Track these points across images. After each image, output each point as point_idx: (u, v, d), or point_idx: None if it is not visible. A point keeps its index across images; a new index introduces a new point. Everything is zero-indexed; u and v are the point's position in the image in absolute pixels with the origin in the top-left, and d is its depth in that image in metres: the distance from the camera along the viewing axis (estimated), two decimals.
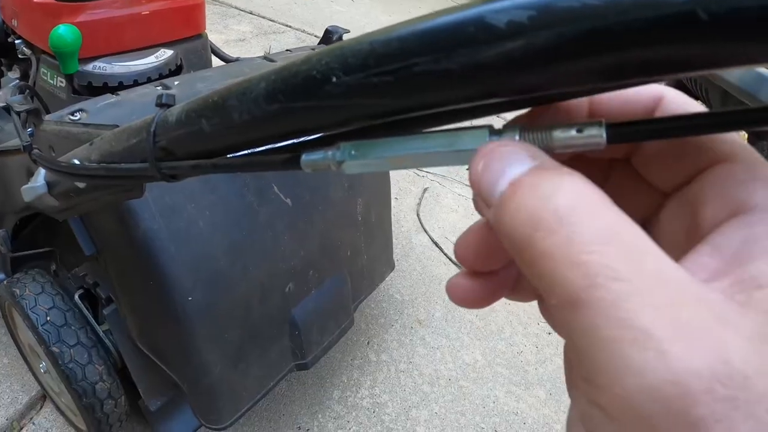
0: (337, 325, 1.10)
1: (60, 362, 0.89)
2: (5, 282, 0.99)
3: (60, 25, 0.98)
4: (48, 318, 0.91)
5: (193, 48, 1.24)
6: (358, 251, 1.14)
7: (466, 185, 2.16)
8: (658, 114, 0.19)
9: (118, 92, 0.81)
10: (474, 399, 1.34)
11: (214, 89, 0.25)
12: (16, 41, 1.15)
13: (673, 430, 0.11)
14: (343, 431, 1.21)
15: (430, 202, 2.02)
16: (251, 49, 2.87)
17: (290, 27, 3.30)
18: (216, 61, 1.32)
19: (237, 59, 1.25)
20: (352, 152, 0.20)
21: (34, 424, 1.12)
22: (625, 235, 0.13)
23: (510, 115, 0.20)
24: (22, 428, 1.10)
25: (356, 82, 0.18)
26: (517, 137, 0.17)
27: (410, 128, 0.21)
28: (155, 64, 1.10)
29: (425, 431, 1.25)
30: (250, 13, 3.34)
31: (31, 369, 1.14)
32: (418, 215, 1.93)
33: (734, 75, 1.31)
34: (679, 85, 3.02)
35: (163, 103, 0.32)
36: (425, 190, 2.07)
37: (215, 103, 0.25)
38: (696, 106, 0.19)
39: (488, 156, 0.16)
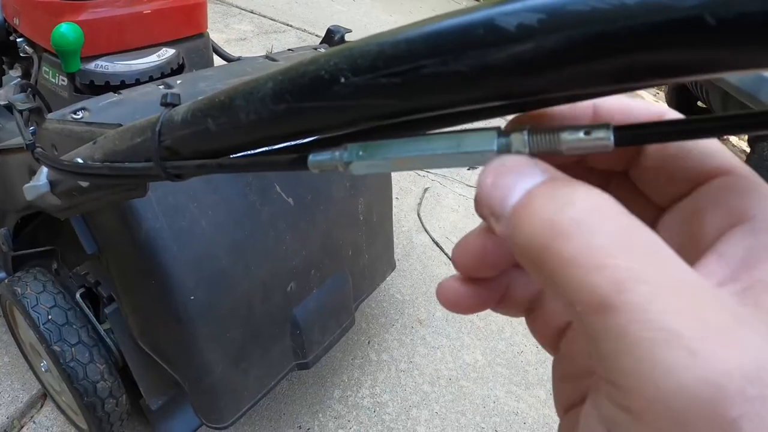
0: (338, 325, 1.10)
1: (61, 361, 0.89)
2: (6, 281, 0.99)
3: (62, 24, 0.98)
4: (49, 317, 0.91)
5: (194, 47, 1.24)
6: (359, 251, 1.14)
7: (467, 185, 2.16)
8: None
9: (120, 91, 0.81)
10: (474, 399, 1.34)
11: (217, 88, 0.25)
12: (18, 39, 1.16)
13: (707, 430, 0.11)
14: (343, 430, 1.22)
15: (430, 202, 2.02)
16: (252, 48, 2.87)
17: (291, 26, 3.30)
18: (218, 60, 1.32)
19: (239, 58, 1.25)
20: (360, 153, 0.20)
21: (34, 422, 1.12)
22: (644, 240, 0.13)
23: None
24: (22, 427, 1.11)
25: (364, 83, 0.18)
26: (525, 137, 0.17)
27: (417, 129, 0.21)
28: (157, 63, 1.10)
29: (426, 431, 1.25)
30: (251, 12, 3.34)
31: (31, 368, 1.14)
32: (418, 215, 1.93)
33: (734, 76, 1.31)
34: (680, 86, 3.02)
35: (168, 103, 0.32)
36: (426, 189, 2.07)
37: (222, 102, 0.25)
38: None
39: (498, 170, 0.16)
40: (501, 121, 0.19)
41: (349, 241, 1.10)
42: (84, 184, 0.49)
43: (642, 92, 3.39)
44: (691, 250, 0.16)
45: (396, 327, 1.49)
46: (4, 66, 1.33)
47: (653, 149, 0.19)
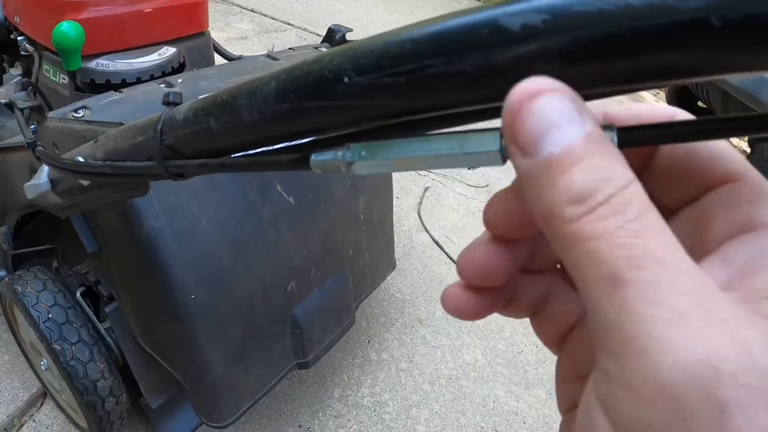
0: (338, 324, 1.10)
1: (61, 359, 0.89)
2: (7, 279, 0.99)
3: (63, 22, 0.98)
4: (49, 315, 0.91)
5: (195, 46, 1.24)
6: (359, 250, 1.14)
7: (468, 185, 2.16)
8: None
9: (121, 90, 0.81)
10: (474, 398, 1.34)
11: (218, 87, 0.25)
12: (19, 38, 1.15)
13: (700, 408, 0.12)
14: (343, 430, 1.22)
15: (431, 202, 2.02)
16: (253, 47, 2.87)
17: (292, 25, 3.30)
18: (218, 59, 1.31)
19: (239, 57, 1.25)
20: (363, 153, 0.20)
21: (34, 421, 1.12)
22: (662, 227, 0.14)
23: None
24: (22, 425, 1.10)
25: (369, 82, 0.18)
26: None
27: (421, 129, 0.21)
28: (158, 61, 1.10)
29: (426, 430, 1.25)
30: (252, 11, 3.34)
31: (32, 366, 1.14)
32: (419, 214, 1.93)
33: (735, 77, 1.31)
34: (681, 86, 3.02)
35: (170, 102, 0.32)
36: (426, 189, 2.07)
37: (224, 101, 0.25)
38: None
39: (535, 100, 0.14)
40: None
41: (349, 241, 1.10)
42: (85, 182, 0.49)
43: (642, 92, 3.38)
44: (696, 254, 0.16)
45: (396, 326, 1.49)
46: (4, 64, 1.33)
47: (665, 152, 0.19)
